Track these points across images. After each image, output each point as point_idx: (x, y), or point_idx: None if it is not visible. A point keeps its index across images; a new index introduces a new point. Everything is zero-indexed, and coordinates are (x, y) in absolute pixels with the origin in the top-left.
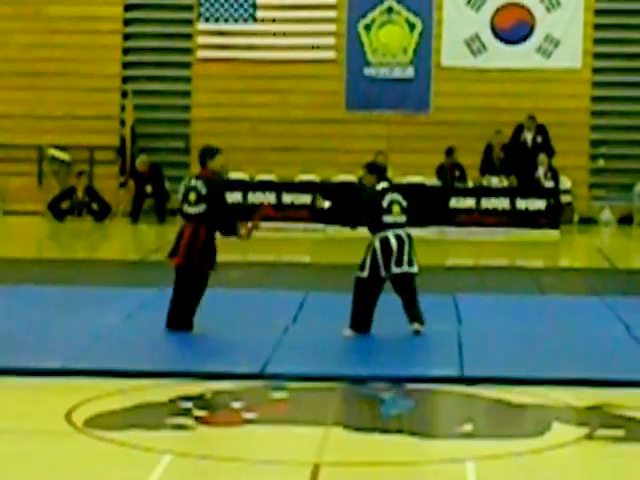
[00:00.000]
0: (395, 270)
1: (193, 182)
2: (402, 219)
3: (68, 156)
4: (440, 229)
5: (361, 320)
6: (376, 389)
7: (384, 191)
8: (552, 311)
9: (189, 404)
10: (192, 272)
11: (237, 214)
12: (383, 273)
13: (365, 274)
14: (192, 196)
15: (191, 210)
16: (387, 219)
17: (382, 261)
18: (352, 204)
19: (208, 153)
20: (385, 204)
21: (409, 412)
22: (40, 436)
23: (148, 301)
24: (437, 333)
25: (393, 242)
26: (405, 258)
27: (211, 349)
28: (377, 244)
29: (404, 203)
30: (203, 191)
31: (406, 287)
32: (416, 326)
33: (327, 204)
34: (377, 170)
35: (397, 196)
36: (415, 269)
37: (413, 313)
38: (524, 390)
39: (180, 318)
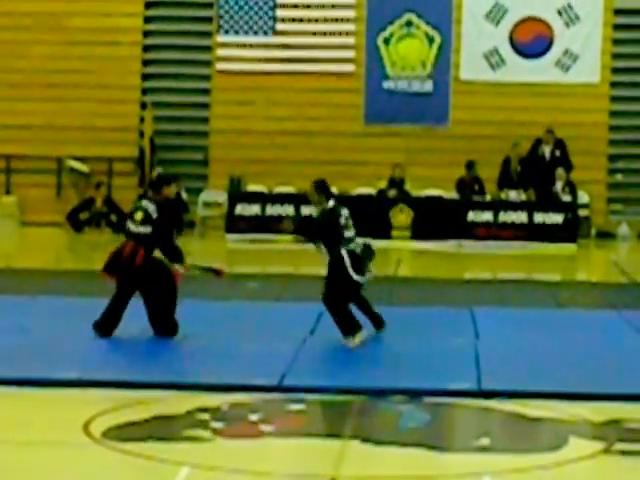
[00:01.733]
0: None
1: (144, 203)
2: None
3: (87, 167)
4: (458, 242)
5: (351, 322)
6: (394, 402)
7: (337, 208)
8: (569, 325)
9: (206, 416)
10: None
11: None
12: (357, 278)
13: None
14: (139, 215)
15: (134, 229)
16: (348, 234)
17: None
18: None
19: (165, 180)
20: (343, 221)
21: (426, 425)
22: (58, 447)
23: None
24: (454, 346)
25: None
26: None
27: (228, 361)
28: (345, 254)
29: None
30: (154, 215)
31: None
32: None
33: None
34: (324, 188)
35: (347, 211)
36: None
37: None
38: (541, 404)
39: (160, 323)
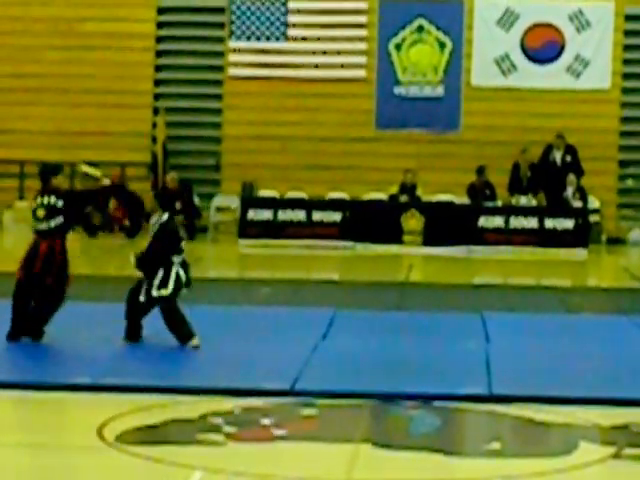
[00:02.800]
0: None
1: (43, 199)
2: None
3: (100, 172)
4: (468, 248)
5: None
6: (405, 407)
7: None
8: (579, 330)
9: (219, 420)
10: (46, 288)
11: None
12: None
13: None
14: (40, 212)
15: (43, 226)
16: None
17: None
18: None
19: (51, 171)
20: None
21: (437, 430)
22: (72, 451)
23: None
24: (465, 351)
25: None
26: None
27: (241, 365)
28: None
29: None
30: (59, 204)
31: None
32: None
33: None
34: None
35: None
36: None
37: None
38: (551, 409)
39: (29, 327)
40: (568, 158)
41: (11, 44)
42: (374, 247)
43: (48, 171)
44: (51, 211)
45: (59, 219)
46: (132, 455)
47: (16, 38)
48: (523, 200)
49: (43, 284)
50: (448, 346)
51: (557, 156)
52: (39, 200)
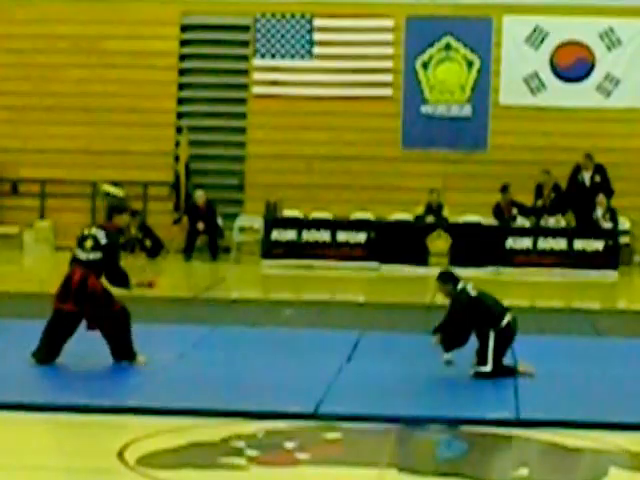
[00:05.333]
0: None
1: (93, 230)
2: None
3: (122, 192)
4: (496, 269)
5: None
6: (431, 431)
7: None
8: (609, 354)
9: (242, 444)
10: (68, 315)
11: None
12: None
13: None
14: (89, 243)
15: (83, 256)
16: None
17: None
18: None
19: (116, 209)
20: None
21: (464, 455)
22: (93, 474)
23: (201, 339)
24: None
25: None
26: None
27: (264, 388)
28: None
29: None
30: (103, 241)
31: None
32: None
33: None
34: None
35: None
36: None
37: None
38: (581, 434)
39: (118, 351)
40: (597, 178)
41: (33, 62)
42: (400, 268)
43: (113, 208)
44: (96, 245)
45: (98, 254)
46: (153, 479)
47: (38, 56)
48: (552, 221)
49: (82, 312)
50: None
51: (586, 176)
52: (91, 231)
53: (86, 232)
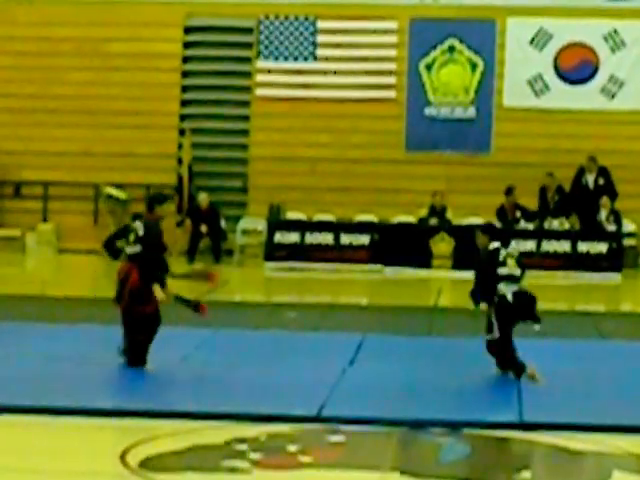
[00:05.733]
0: None
1: (136, 223)
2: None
3: (125, 194)
4: None
5: (518, 364)
6: (433, 434)
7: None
8: (613, 356)
9: (244, 447)
10: (137, 314)
11: (164, 268)
12: None
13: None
14: (131, 237)
15: (129, 250)
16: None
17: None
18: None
19: (156, 200)
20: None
21: (467, 458)
22: (95, 477)
23: (203, 342)
24: (495, 377)
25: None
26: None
27: (267, 391)
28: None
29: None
30: (140, 232)
31: None
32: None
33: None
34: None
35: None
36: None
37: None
38: (584, 437)
39: (132, 355)
40: (601, 181)
41: (36, 65)
42: (403, 271)
43: (153, 199)
44: (136, 238)
45: (137, 247)
46: None
47: (41, 59)
48: (555, 223)
49: (125, 309)
50: (478, 372)
51: (589, 179)
52: (134, 223)
53: (131, 225)
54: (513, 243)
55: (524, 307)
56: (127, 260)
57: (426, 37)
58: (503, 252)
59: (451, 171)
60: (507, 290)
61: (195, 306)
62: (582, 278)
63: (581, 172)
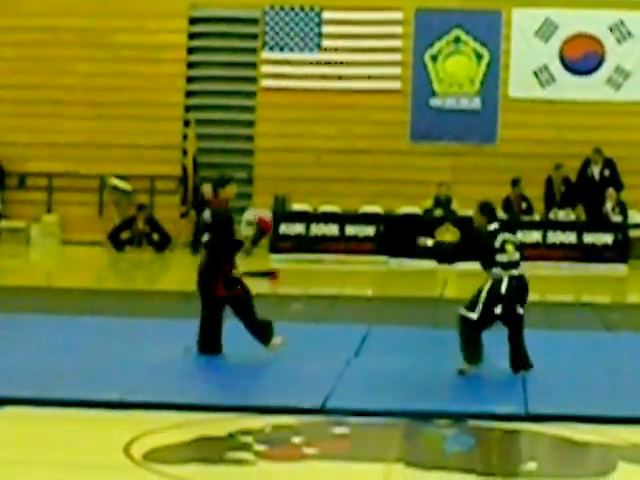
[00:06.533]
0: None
1: (205, 212)
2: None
3: (129, 186)
4: None
5: (476, 354)
6: (439, 426)
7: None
8: (618, 348)
9: (249, 438)
10: (219, 299)
11: (237, 247)
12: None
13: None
14: (202, 226)
15: (202, 238)
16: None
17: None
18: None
19: (219, 183)
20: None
21: (472, 449)
22: (98, 469)
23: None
24: (501, 369)
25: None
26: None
27: (271, 383)
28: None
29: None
30: (208, 221)
31: None
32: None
33: (430, 242)
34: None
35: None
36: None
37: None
38: (589, 428)
39: (209, 342)
40: (607, 172)
41: (40, 55)
42: (408, 262)
43: (216, 183)
44: (205, 226)
45: (207, 235)
46: (160, 474)
47: (45, 49)
48: (561, 214)
49: (211, 297)
50: (483, 364)
51: (595, 171)
52: (204, 213)
53: (202, 215)
54: (520, 234)
55: (517, 293)
56: (204, 249)
57: (431, 28)
58: (501, 237)
59: (456, 162)
60: (504, 275)
61: (268, 274)
62: (588, 269)
63: (587, 163)
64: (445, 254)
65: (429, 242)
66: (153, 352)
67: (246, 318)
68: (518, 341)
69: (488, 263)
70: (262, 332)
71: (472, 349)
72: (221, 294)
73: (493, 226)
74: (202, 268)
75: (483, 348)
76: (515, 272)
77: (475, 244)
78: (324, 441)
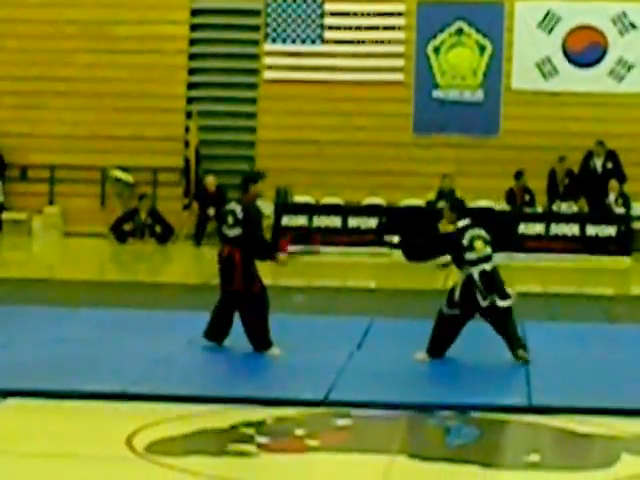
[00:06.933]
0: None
1: (232, 205)
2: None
3: (131, 177)
4: (508, 255)
5: (440, 350)
6: (442, 417)
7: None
8: (622, 340)
9: (251, 430)
10: (239, 295)
11: (273, 240)
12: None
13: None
14: (230, 219)
15: (229, 233)
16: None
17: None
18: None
19: (251, 179)
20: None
21: (475, 441)
22: (101, 461)
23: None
24: (505, 361)
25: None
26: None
27: (274, 375)
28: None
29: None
30: (240, 216)
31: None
32: (521, 353)
33: (396, 239)
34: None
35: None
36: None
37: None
38: (592, 420)
39: (254, 340)
40: (609, 165)
41: (41, 47)
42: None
43: (247, 178)
44: (236, 220)
45: (238, 230)
46: (162, 466)
47: (47, 41)
48: (564, 207)
49: (229, 291)
50: (486, 356)
51: (597, 163)
52: (230, 205)
53: (226, 207)
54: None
55: (490, 286)
56: (227, 243)
57: (434, 20)
58: (469, 233)
59: (459, 154)
60: (474, 271)
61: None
62: (591, 261)
63: (589, 156)
64: (413, 252)
65: (395, 239)
66: (156, 344)
67: (255, 317)
68: (508, 333)
69: (458, 261)
70: (262, 340)
71: (440, 343)
72: (239, 289)
73: (462, 223)
74: (226, 261)
75: (448, 348)
76: (487, 266)
77: (442, 243)
78: (326, 433)
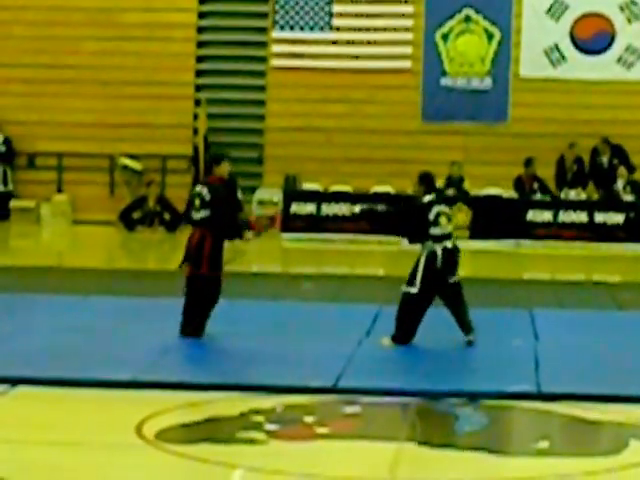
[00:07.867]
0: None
1: (198, 188)
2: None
3: (140, 165)
4: (516, 242)
5: (406, 334)
6: (451, 405)
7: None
8: (630, 327)
9: (261, 418)
10: (203, 279)
11: (241, 220)
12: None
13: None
14: (197, 202)
15: (196, 216)
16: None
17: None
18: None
19: (214, 160)
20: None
21: (484, 429)
22: (111, 449)
23: (218, 313)
24: (513, 348)
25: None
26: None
27: (283, 362)
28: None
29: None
30: (207, 197)
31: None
32: (470, 337)
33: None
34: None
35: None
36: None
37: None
38: (601, 407)
39: (190, 324)
40: (615, 161)
41: (49, 35)
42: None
43: (210, 160)
44: (202, 202)
45: (205, 212)
46: (171, 453)
47: (54, 29)
48: (572, 194)
49: (196, 275)
50: (496, 343)
51: (604, 160)
52: (197, 189)
53: (194, 191)
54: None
55: (454, 263)
56: (196, 226)
57: (442, 7)
58: (435, 209)
59: (468, 142)
60: (438, 247)
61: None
62: (599, 249)
63: (596, 153)
64: (407, 235)
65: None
66: (165, 332)
67: (211, 303)
68: (459, 312)
69: (421, 236)
70: (193, 324)
71: (405, 328)
72: (204, 273)
73: (428, 198)
74: (196, 245)
75: (415, 332)
76: (449, 244)
77: (409, 216)
78: (336, 420)
